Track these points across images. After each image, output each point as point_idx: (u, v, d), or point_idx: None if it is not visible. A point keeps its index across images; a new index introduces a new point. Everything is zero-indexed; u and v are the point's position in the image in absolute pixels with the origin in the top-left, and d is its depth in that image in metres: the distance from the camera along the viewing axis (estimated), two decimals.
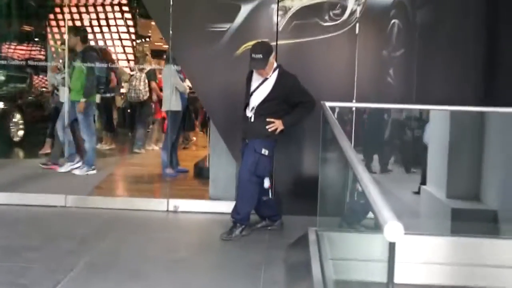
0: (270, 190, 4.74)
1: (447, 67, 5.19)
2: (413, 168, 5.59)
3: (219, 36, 5.23)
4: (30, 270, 3.79)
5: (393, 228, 1.48)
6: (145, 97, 8.75)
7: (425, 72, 5.20)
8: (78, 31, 7.03)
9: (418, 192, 5.28)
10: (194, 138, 9.89)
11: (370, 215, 1.76)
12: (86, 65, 6.69)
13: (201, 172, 6.91)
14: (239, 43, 5.21)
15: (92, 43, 9.88)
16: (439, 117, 5.21)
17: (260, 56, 4.37)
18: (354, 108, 5.22)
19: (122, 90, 9.32)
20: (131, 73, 9.23)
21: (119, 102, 9.42)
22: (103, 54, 8.61)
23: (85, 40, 6.95)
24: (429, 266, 4.07)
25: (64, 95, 7.03)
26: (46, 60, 10.04)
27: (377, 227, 1.58)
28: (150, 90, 8.75)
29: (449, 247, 4.14)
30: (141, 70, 8.85)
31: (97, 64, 7.09)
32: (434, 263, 4.08)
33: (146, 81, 8.73)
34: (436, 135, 5.23)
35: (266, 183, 4.66)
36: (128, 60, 10.51)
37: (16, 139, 8.86)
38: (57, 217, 5.22)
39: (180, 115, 7.04)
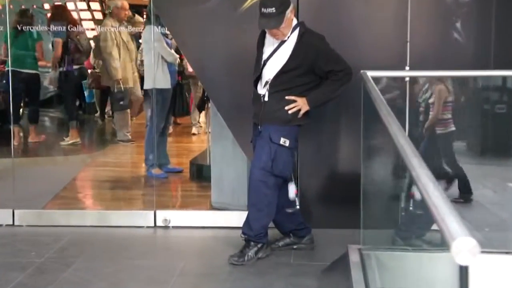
0: (296, 199, 4.70)
1: None
2: (497, 158, 5.55)
3: None
4: None
5: (464, 246, 1.45)
6: None
7: (508, 25, 5.13)
8: None
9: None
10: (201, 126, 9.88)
11: (434, 226, 1.72)
12: None
13: (199, 172, 6.94)
14: None
15: None
16: None
17: (273, 10, 4.33)
18: (407, 78, 5.17)
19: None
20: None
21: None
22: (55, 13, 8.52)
23: None
24: None
25: None
26: None
27: (443, 244, 1.56)
28: None
29: None
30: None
31: None
32: None
33: None
34: None
35: (291, 190, 4.62)
36: (95, 20, 10.43)
37: None
38: (1, 240, 5.24)
39: (169, 95, 7.05)
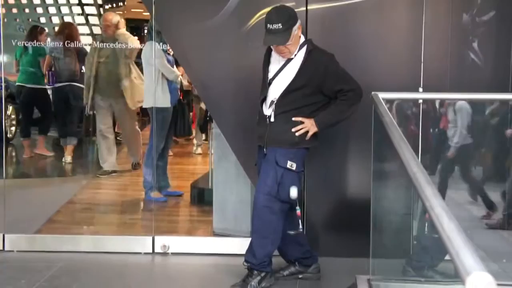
0: (300, 219, 4.67)
1: None
2: None
3: None
4: None
5: (479, 282, 1.46)
6: None
7: None
8: None
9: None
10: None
11: (448, 256, 1.74)
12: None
13: (201, 196, 6.94)
14: (253, 9, 5.20)
15: (39, 10, 9.85)
16: None
17: (279, 26, 4.34)
18: (421, 101, 5.18)
19: None
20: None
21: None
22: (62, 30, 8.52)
23: None
24: None
25: None
26: None
27: (457, 275, 1.58)
28: None
29: None
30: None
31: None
32: None
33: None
34: None
35: (293, 191, 4.52)
36: (93, 35, 10.50)
37: None
38: None
39: (169, 114, 7.06)
